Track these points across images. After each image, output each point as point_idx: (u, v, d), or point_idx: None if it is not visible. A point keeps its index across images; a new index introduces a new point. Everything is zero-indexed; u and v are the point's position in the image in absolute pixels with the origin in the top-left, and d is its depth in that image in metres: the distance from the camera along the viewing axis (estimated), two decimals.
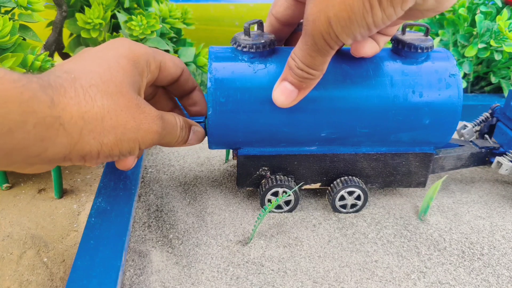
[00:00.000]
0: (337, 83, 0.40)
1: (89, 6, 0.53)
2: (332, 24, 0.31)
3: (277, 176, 0.44)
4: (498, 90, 0.66)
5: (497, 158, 0.47)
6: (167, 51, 0.56)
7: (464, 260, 0.41)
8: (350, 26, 0.31)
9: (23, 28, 0.49)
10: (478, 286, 0.39)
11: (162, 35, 0.57)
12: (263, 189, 0.43)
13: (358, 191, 0.44)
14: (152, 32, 0.53)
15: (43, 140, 0.28)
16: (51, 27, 0.55)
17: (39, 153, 0.29)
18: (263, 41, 0.39)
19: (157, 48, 0.50)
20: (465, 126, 0.53)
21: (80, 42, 0.56)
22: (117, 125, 0.32)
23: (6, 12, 0.48)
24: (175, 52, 0.62)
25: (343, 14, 0.30)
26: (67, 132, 0.29)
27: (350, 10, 0.30)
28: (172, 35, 0.59)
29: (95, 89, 0.31)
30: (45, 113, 0.28)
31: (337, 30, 0.31)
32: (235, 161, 0.52)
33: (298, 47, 0.35)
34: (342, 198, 0.45)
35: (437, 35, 0.66)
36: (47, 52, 0.49)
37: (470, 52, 0.60)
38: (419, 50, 0.41)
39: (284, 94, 0.38)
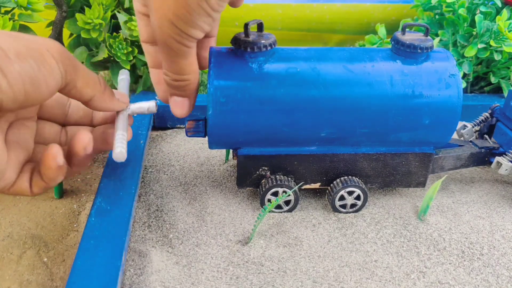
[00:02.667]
0: (337, 83, 0.40)
1: (89, 6, 0.53)
2: (176, 23, 0.31)
3: (277, 176, 0.44)
4: (497, 90, 0.66)
5: (497, 158, 0.47)
6: None
7: (464, 260, 0.41)
8: (191, 18, 0.31)
9: (23, 28, 0.49)
10: (478, 286, 0.39)
11: None
12: (263, 189, 0.44)
13: (358, 191, 0.44)
14: None
15: None
16: (51, 27, 0.55)
17: None
18: (263, 41, 0.39)
19: None
20: (464, 126, 0.53)
21: (80, 42, 0.56)
22: None
23: (6, 12, 0.48)
24: None
25: (181, 11, 0.31)
26: None
27: (186, 4, 0.31)
28: None
29: None
30: None
31: (182, 27, 0.32)
32: (235, 161, 0.52)
33: (163, 61, 0.36)
34: (342, 198, 0.45)
35: (436, 35, 0.66)
36: None
37: (470, 52, 0.60)
38: (419, 50, 0.41)
39: (177, 107, 0.39)
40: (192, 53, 0.35)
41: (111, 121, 0.42)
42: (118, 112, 0.40)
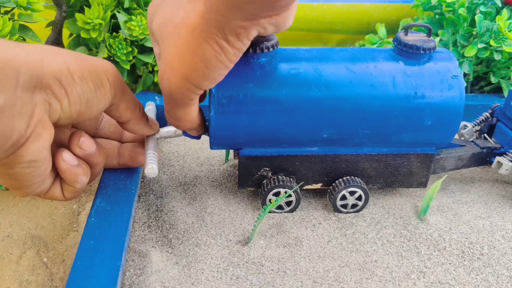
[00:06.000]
0: (339, 84, 0.40)
1: (89, 6, 0.53)
2: (191, 78, 0.32)
3: (279, 177, 0.44)
4: (498, 90, 0.66)
5: (497, 158, 0.47)
6: None
7: (464, 260, 0.41)
8: (209, 72, 0.32)
9: (23, 28, 0.48)
10: (478, 286, 0.39)
11: None
12: (265, 190, 0.43)
13: (359, 191, 0.44)
14: None
15: None
16: (50, 27, 0.55)
17: None
18: (265, 42, 0.39)
19: None
20: (465, 126, 0.53)
21: (80, 42, 0.56)
22: None
23: (6, 12, 0.48)
24: None
25: (199, 65, 0.31)
26: None
27: (204, 58, 0.31)
28: None
29: None
30: None
31: (197, 82, 0.32)
32: (235, 161, 0.52)
33: (164, 103, 0.37)
34: (344, 197, 0.45)
35: (437, 35, 0.66)
36: None
37: (470, 52, 0.60)
38: (422, 51, 0.41)
39: (190, 133, 0.42)
40: (194, 103, 0.36)
41: (139, 140, 0.44)
42: (148, 136, 0.43)
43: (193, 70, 0.32)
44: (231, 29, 0.30)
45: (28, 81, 0.29)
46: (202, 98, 0.40)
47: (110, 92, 0.35)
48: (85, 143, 0.37)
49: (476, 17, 0.59)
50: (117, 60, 0.54)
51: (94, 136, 0.43)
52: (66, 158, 0.36)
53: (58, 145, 0.37)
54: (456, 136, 0.55)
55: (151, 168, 0.39)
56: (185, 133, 0.43)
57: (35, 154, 0.32)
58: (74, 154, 0.37)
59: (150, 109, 0.47)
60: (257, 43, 0.38)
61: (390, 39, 0.66)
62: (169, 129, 0.43)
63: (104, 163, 0.40)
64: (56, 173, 0.37)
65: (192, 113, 0.37)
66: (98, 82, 0.33)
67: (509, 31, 0.58)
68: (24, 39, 0.48)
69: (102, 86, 0.34)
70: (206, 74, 0.32)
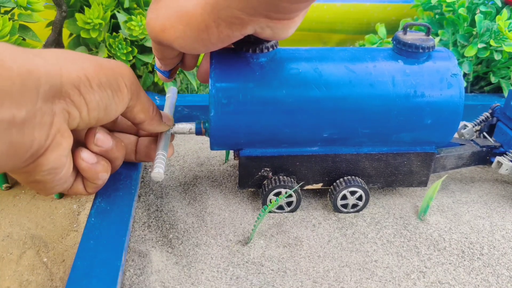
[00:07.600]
0: (339, 83, 0.40)
1: (89, 6, 0.53)
2: (166, 32, 0.32)
3: (280, 177, 0.44)
4: (498, 90, 0.66)
5: (497, 158, 0.47)
6: None
7: (464, 260, 0.41)
8: (184, 37, 0.32)
9: (23, 28, 0.49)
10: (478, 286, 0.39)
11: None
12: (266, 190, 0.43)
13: (360, 191, 0.44)
14: None
15: None
16: (50, 27, 0.55)
17: None
18: (264, 42, 0.39)
19: None
20: (465, 126, 0.53)
21: (80, 42, 0.56)
22: None
23: (6, 12, 0.48)
24: None
25: (179, 27, 0.31)
26: None
27: (187, 24, 0.31)
28: None
29: None
30: None
31: (170, 38, 0.32)
32: (235, 161, 0.52)
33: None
34: (344, 197, 0.45)
35: (437, 35, 0.66)
36: None
37: (470, 52, 0.60)
38: (421, 50, 0.41)
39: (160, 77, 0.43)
40: (172, 50, 0.36)
41: (155, 134, 0.44)
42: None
43: (171, 27, 0.32)
44: (226, 16, 0.30)
45: (48, 92, 0.29)
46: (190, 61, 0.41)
47: (127, 96, 0.35)
48: (101, 140, 0.37)
49: (476, 17, 0.59)
50: (117, 60, 0.54)
51: (111, 130, 0.43)
52: (85, 157, 0.36)
53: (76, 142, 0.37)
54: (456, 136, 0.55)
55: (157, 173, 0.39)
56: (156, 67, 0.43)
57: (55, 162, 0.32)
58: (92, 152, 0.37)
59: (170, 96, 0.46)
60: (257, 43, 0.38)
61: (390, 39, 0.67)
62: (184, 126, 0.43)
63: (123, 156, 0.40)
64: (78, 170, 0.37)
65: (165, 53, 0.38)
66: (116, 87, 0.33)
67: (509, 31, 0.58)
68: (24, 39, 0.48)
69: (120, 91, 0.34)
70: (179, 37, 0.32)
